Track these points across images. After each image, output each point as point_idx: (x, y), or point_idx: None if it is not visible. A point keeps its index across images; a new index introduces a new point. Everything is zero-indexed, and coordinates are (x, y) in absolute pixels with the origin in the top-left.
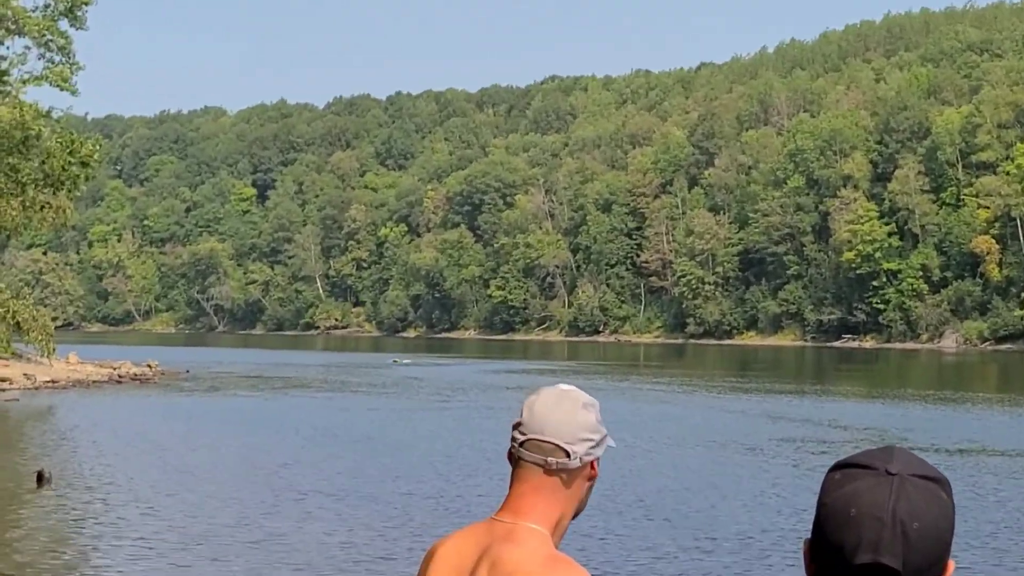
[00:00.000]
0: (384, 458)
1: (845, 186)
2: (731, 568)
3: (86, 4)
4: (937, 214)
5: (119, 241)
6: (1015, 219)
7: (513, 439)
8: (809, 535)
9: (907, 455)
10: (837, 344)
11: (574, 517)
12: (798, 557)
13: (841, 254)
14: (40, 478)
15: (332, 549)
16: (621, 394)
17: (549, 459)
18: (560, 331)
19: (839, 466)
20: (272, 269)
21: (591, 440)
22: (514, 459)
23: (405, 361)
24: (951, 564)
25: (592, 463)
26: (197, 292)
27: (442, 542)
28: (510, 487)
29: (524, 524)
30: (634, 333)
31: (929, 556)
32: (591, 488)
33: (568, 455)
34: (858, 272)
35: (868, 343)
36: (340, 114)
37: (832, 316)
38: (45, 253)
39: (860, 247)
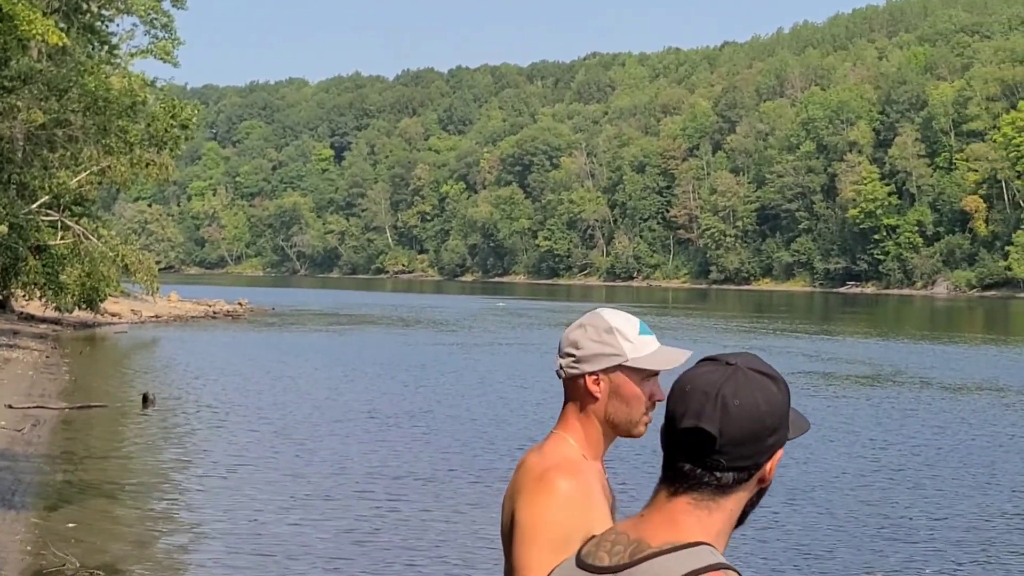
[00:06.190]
0: (456, 383)
1: (850, 151)
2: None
3: None
4: (931, 176)
5: (214, 195)
6: (1000, 181)
7: None
8: None
9: (752, 356)
10: (842, 290)
11: (618, 431)
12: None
13: (846, 211)
14: (145, 399)
15: (403, 465)
16: (657, 332)
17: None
18: (599, 277)
19: (700, 360)
20: (347, 221)
21: (571, 355)
22: None
23: (500, 304)
24: (779, 452)
25: (585, 379)
26: (282, 240)
27: (529, 452)
28: None
29: (555, 431)
30: (664, 279)
31: (747, 433)
32: (625, 405)
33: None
34: (861, 227)
35: (869, 289)
36: (407, 85)
37: (838, 265)
38: (150, 205)
39: (863, 205)
